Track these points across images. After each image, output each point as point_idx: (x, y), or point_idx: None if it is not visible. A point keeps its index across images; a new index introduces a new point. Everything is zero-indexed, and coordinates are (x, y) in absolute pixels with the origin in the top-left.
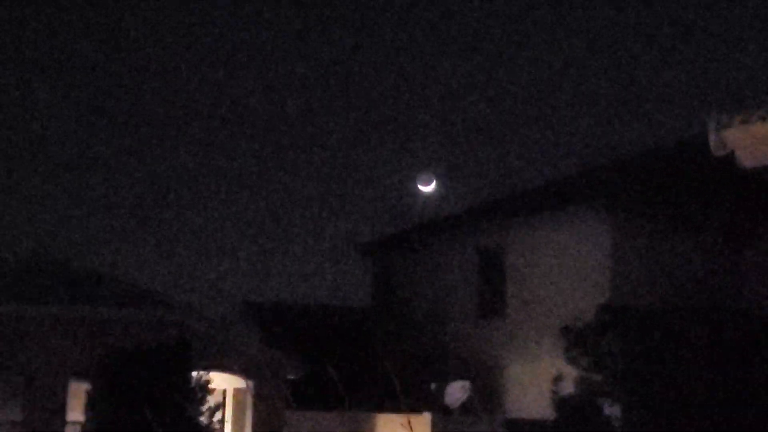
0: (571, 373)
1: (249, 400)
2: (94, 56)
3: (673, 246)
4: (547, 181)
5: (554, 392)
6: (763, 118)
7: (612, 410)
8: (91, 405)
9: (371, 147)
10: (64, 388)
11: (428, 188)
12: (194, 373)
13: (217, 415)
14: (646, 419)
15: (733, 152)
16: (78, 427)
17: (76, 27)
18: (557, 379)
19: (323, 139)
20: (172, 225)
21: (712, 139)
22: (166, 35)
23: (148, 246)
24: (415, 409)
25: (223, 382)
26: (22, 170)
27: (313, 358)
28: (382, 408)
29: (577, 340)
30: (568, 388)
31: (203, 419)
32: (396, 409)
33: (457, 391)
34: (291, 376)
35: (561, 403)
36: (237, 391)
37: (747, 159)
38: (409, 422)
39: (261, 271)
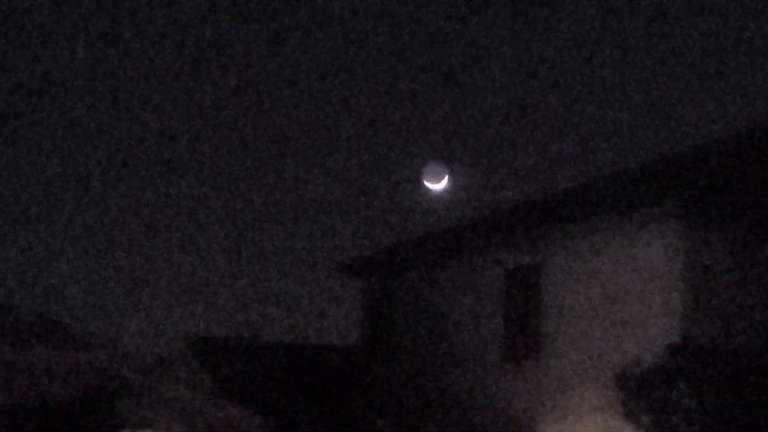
0: None
1: None
2: None
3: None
4: (599, 177)
5: None
6: None
7: None
8: None
9: (361, 132)
10: None
11: (438, 186)
12: None
13: None
14: None
15: None
16: None
17: None
18: None
19: (297, 124)
20: (91, 232)
21: None
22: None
23: (61, 263)
24: None
25: None
26: None
27: (284, 413)
28: None
29: (638, 392)
30: None
31: None
32: None
33: None
34: None
35: None
36: None
37: None
38: None
39: (212, 297)
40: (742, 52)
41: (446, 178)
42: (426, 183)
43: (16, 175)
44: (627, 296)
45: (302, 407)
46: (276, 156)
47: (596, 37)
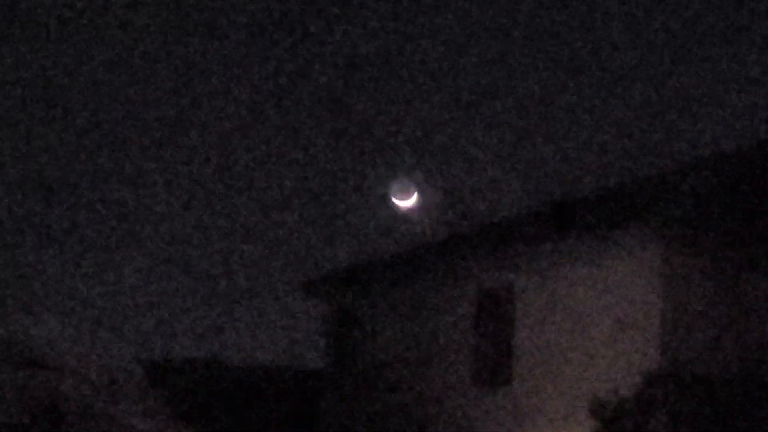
0: None
1: None
2: None
3: (755, 286)
4: (575, 195)
5: None
6: None
7: None
8: None
9: (326, 145)
10: None
11: (407, 203)
12: None
13: None
14: None
15: None
16: None
17: None
18: None
19: (259, 137)
20: (43, 245)
21: None
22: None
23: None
24: None
25: None
26: None
27: None
28: None
29: (613, 421)
30: None
31: None
32: None
33: None
34: None
35: None
36: None
37: None
38: None
39: (169, 317)
40: (733, 71)
41: (415, 194)
42: (394, 200)
43: None
44: (603, 320)
45: None
46: (236, 171)
47: (582, 53)
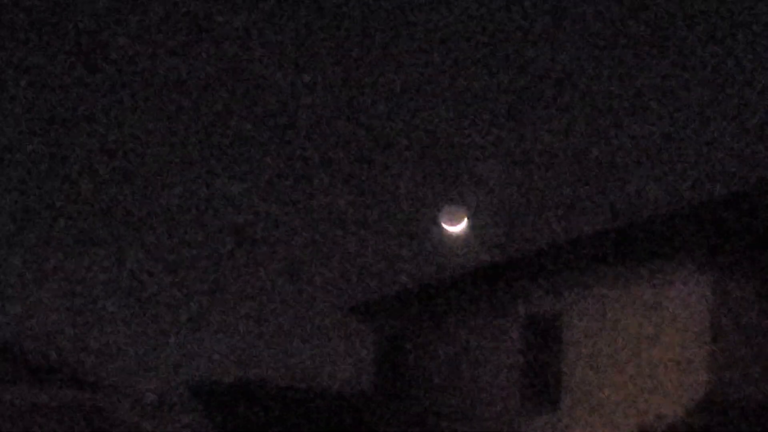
0: None
1: None
2: None
3: None
4: (624, 223)
5: None
6: None
7: None
8: None
9: (377, 170)
10: None
11: (457, 228)
12: None
13: None
14: None
15: None
16: None
17: None
18: None
19: (307, 160)
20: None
21: None
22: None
23: (49, 295)
24: None
25: None
26: None
27: None
28: None
29: None
30: None
31: None
32: None
33: None
34: None
35: None
36: None
37: None
38: None
39: (217, 338)
40: None
41: (465, 220)
42: (444, 225)
43: None
44: (650, 347)
45: None
46: (286, 193)
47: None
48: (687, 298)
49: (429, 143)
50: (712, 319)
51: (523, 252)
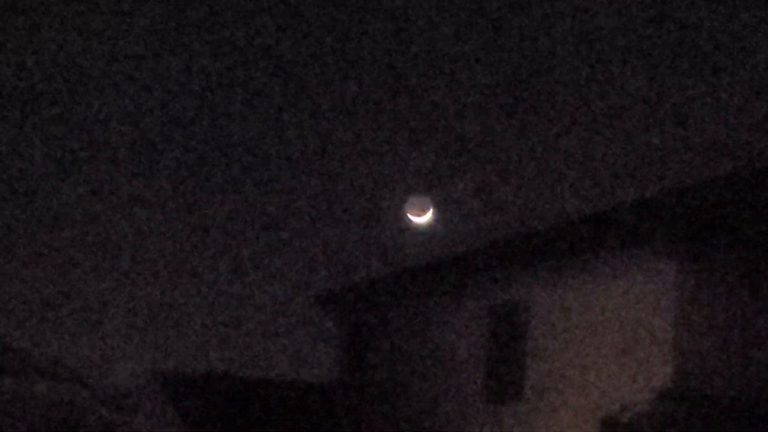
0: None
1: None
2: None
3: (766, 305)
4: (587, 214)
5: None
6: None
7: None
8: None
9: (341, 159)
10: None
11: (422, 219)
12: None
13: None
14: None
15: None
16: None
17: None
18: None
19: (273, 150)
20: (57, 256)
21: None
22: None
23: (20, 292)
24: None
25: None
26: None
27: None
28: None
29: None
30: None
31: None
32: None
33: None
34: None
35: None
36: None
37: None
38: None
39: (183, 329)
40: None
41: (431, 210)
42: (409, 215)
43: None
44: (615, 338)
45: None
46: (251, 184)
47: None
48: (650, 289)
49: (395, 132)
50: (675, 310)
51: (488, 243)
